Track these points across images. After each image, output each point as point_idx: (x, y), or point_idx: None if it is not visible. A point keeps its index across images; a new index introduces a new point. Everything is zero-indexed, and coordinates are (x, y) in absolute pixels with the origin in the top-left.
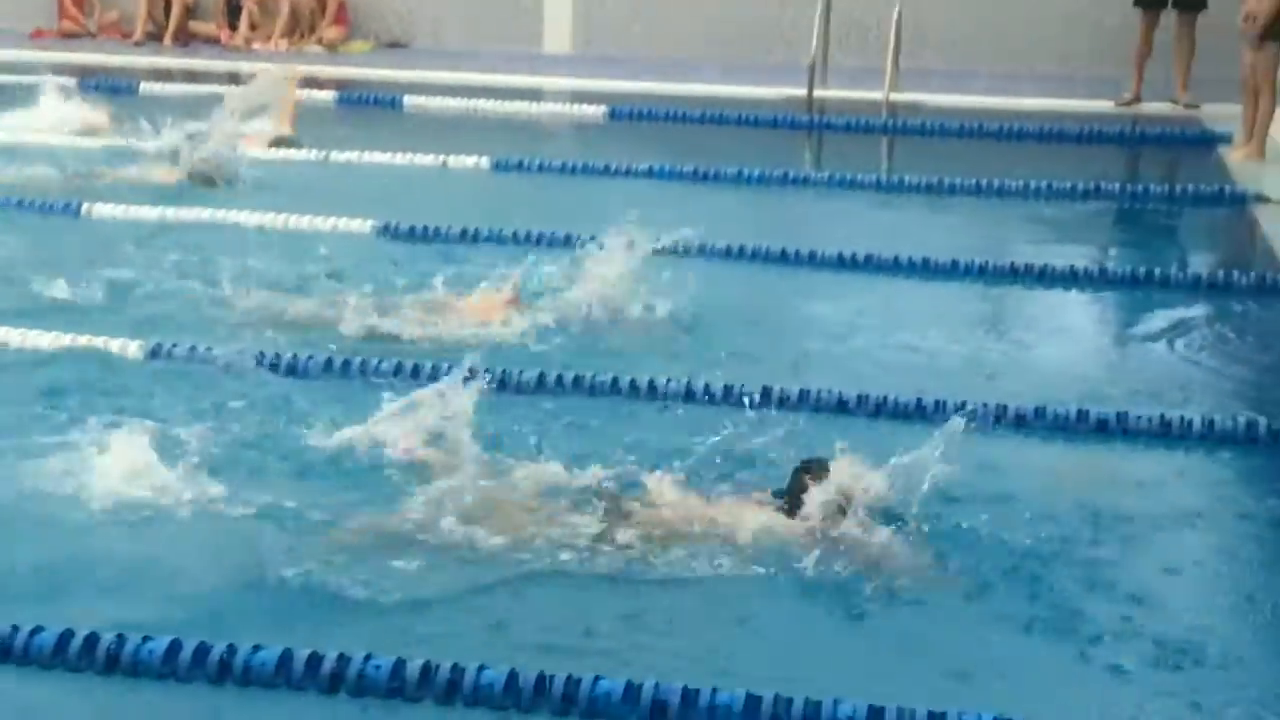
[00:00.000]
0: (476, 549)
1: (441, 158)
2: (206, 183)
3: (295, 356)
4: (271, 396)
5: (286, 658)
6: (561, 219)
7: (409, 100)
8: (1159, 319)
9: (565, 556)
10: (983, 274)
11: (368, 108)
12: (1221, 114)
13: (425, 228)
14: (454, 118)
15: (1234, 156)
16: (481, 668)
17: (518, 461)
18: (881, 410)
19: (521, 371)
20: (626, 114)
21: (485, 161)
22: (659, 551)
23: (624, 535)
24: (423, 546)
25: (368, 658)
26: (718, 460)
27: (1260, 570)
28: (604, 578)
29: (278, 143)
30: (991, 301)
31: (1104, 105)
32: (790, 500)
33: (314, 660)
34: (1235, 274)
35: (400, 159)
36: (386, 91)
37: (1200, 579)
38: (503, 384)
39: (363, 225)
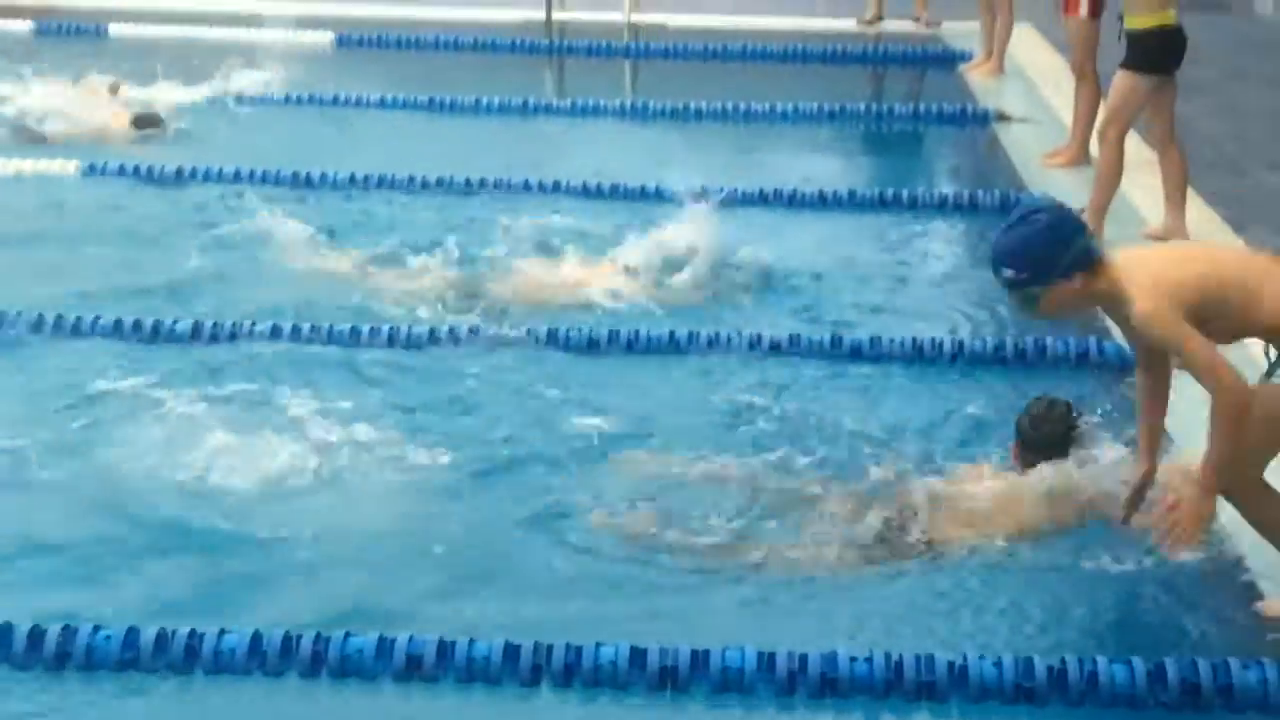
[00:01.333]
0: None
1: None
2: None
3: None
4: None
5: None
6: (286, 155)
7: (115, 29)
8: (907, 241)
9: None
10: (731, 201)
11: (69, 37)
12: (962, 31)
13: (135, 167)
14: (166, 47)
15: (974, 74)
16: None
17: None
18: (634, 346)
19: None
20: (355, 41)
21: (201, 94)
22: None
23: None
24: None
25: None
26: None
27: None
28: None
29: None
30: (739, 228)
31: (847, 24)
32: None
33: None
34: (980, 193)
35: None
36: (89, 20)
37: None
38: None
39: (65, 166)
